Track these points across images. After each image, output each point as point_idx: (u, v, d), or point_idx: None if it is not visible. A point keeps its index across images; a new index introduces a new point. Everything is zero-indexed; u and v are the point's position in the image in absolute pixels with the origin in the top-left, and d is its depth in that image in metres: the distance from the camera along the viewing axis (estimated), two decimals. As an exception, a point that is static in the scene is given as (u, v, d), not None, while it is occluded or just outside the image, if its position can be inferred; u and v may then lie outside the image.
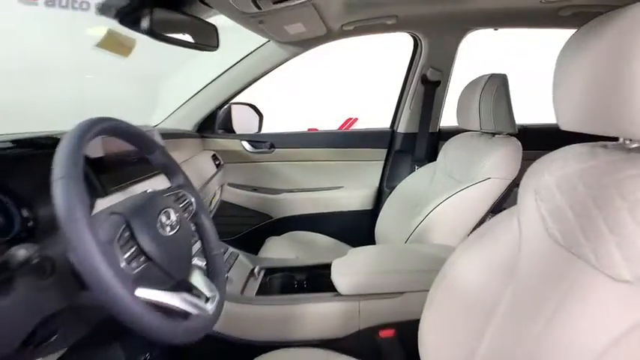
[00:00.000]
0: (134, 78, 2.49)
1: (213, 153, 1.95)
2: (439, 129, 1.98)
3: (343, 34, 1.70)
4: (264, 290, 1.23)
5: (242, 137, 2.02)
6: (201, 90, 1.90)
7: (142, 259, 0.64)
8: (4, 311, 0.58)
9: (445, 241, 1.35)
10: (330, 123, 4.36)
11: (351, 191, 2.04)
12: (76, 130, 0.62)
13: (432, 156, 1.93)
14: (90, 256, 0.53)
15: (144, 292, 0.61)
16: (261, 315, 1.10)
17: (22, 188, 0.74)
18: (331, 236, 1.91)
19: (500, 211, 1.38)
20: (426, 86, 1.86)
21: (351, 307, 1.08)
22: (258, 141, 2.03)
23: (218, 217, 2.03)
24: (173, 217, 0.74)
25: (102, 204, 0.92)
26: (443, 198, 1.35)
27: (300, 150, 2.03)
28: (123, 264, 0.58)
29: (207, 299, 0.76)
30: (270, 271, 1.34)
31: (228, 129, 2.09)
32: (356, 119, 4.36)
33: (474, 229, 1.36)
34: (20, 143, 0.84)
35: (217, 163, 1.94)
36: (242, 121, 2.16)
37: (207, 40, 1.22)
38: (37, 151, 0.86)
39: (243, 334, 1.09)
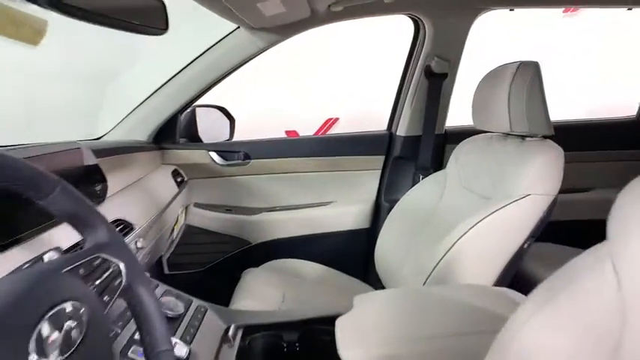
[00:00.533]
0: (73, 76, 2.08)
1: (174, 168, 1.59)
2: (445, 130, 1.68)
3: (331, 16, 1.37)
4: (243, 362, 0.89)
5: (210, 147, 1.67)
6: (157, 91, 1.54)
7: None
8: None
9: (474, 279, 1.05)
10: (307, 124, 4.02)
11: (343, 207, 1.72)
12: None
13: (438, 163, 1.63)
14: None
15: None
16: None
17: None
18: (322, 263, 1.58)
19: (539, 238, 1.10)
20: (431, 80, 1.55)
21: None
22: (229, 151, 1.68)
23: (183, 246, 1.67)
24: (69, 322, 0.39)
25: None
26: (470, 222, 1.04)
27: (281, 160, 1.69)
28: None
29: None
30: (249, 330, 1.00)
31: (192, 137, 1.75)
32: (336, 119, 4.04)
33: (512, 261, 1.07)
34: None
35: (180, 179, 1.58)
36: (209, 127, 1.81)
37: (151, 20, 0.87)
38: None
39: None
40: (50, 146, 0.86)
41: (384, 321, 0.85)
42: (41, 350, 0.36)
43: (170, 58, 1.57)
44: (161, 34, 0.89)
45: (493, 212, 1.02)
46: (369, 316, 0.88)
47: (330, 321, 0.87)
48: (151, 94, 1.54)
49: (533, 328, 0.45)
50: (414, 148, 1.64)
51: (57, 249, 0.67)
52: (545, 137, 1.13)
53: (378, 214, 1.71)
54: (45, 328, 0.37)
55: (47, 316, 0.37)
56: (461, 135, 1.42)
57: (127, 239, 1.00)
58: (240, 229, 1.67)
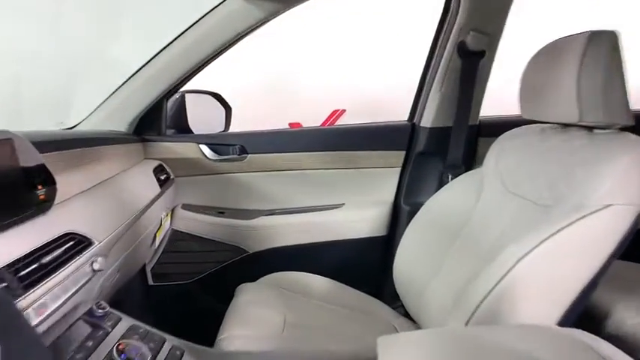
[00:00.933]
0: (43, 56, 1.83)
1: (158, 163, 1.36)
2: (479, 121, 1.42)
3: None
4: None
5: (200, 139, 1.42)
6: (137, 72, 1.29)
7: None
8: None
9: (535, 314, 0.80)
10: (312, 116, 3.77)
11: (355, 211, 1.47)
12: None
13: (470, 160, 1.38)
14: None
15: None
16: None
17: None
18: (330, 276, 1.34)
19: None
20: (465, 59, 1.29)
21: None
22: (223, 144, 1.44)
23: (169, 254, 1.44)
24: None
25: None
26: (530, 240, 0.79)
27: (283, 155, 1.44)
28: None
29: None
30: None
31: (181, 128, 1.51)
32: (343, 111, 3.77)
33: (584, 292, 0.82)
34: None
35: (165, 177, 1.34)
36: (201, 116, 1.57)
37: None
38: None
39: None
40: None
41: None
42: None
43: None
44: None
45: (562, 228, 0.77)
46: None
47: None
48: (131, 76, 1.30)
49: None
50: (443, 142, 1.38)
51: None
52: (621, 129, 0.88)
53: (397, 219, 1.46)
54: None
55: None
56: (498, 127, 1.17)
57: (79, 260, 0.76)
58: (235, 236, 1.43)
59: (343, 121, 3.79)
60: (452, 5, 1.28)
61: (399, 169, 1.47)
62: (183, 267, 1.46)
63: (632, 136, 0.85)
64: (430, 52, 1.39)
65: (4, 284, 0.57)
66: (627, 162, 0.79)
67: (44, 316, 0.63)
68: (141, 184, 1.18)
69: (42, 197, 0.74)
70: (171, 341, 0.80)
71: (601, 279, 0.83)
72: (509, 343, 0.68)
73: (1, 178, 0.66)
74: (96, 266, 0.80)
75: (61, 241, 0.74)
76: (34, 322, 0.61)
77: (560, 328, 0.75)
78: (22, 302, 0.59)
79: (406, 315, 1.22)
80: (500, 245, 0.87)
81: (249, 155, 1.42)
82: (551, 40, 0.94)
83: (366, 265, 1.48)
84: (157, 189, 1.23)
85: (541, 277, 0.79)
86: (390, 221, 1.47)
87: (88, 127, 1.33)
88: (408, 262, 1.20)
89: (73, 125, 1.33)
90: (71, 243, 0.76)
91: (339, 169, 1.47)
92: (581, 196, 0.81)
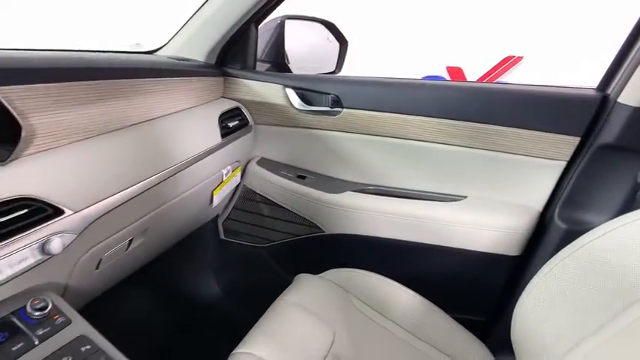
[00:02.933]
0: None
1: (235, 105, 1.11)
2: None
3: None
4: None
5: (287, 81, 1.11)
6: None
7: None
8: None
9: None
10: (479, 61, 3.11)
11: (481, 212, 1.01)
12: None
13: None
14: None
15: None
16: None
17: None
18: (422, 292, 0.96)
19: None
20: None
21: None
22: (315, 90, 1.10)
23: (239, 212, 1.24)
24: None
25: None
26: None
27: (391, 116, 1.04)
28: None
29: None
30: None
31: (276, 63, 1.23)
32: (519, 59, 2.98)
33: None
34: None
35: (239, 122, 1.09)
36: (305, 49, 1.26)
37: None
38: None
39: None
40: None
41: None
42: None
43: None
44: None
45: None
46: None
47: None
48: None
49: None
50: None
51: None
52: None
53: (541, 238, 0.96)
54: None
55: None
56: None
57: (31, 237, 0.56)
58: (312, 209, 1.13)
59: (518, 72, 3.04)
60: None
61: (563, 164, 0.94)
62: (252, 229, 1.25)
63: None
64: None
65: None
66: None
67: None
68: (194, 130, 0.94)
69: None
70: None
71: None
72: None
73: None
74: (55, 244, 0.59)
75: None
76: None
77: None
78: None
79: None
80: None
81: (345, 110, 1.06)
82: None
83: (478, 293, 1.05)
84: (217, 138, 0.99)
85: None
86: (530, 238, 0.98)
87: (170, 52, 1.14)
88: (542, 310, 0.75)
89: (152, 50, 1.16)
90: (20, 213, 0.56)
91: (470, 149, 1.01)
92: None
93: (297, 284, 0.95)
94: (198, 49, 1.10)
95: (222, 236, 1.32)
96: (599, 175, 0.89)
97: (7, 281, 0.55)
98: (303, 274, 0.98)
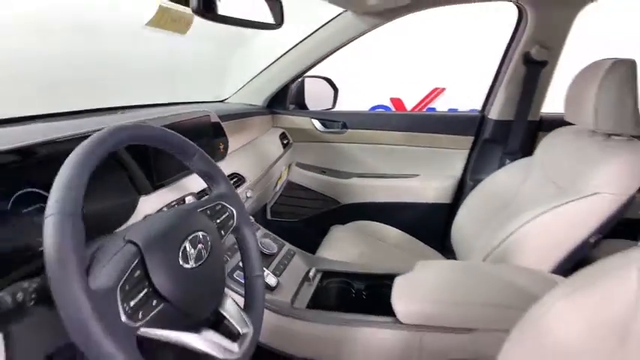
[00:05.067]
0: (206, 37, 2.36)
1: (282, 131, 1.86)
2: (540, 117, 1.67)
3: (430, 2, 1.45)
4: (318, 298, 1.13)
5: (313, 115, 1.89)
6: (273, 62, 1.79)
7: (155, 301, 0.55)
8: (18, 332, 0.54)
9: (533, 263, 1.13)
10: (413, 93, 4.03)
11: (428, 181, 1.84)
12: (81, 152, 0.52)
13: (527, 150, 1.65)
14: (78, 313, 0.45)
15: (158, 333, 0.53)
16: (311, 332, 1.01)
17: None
18: (402, 229, 1.74)
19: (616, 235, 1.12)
20: (529, 67, 1.55)
21: (412, 338, 0.94)
22: (330, 120, 1.89)
23: (284, 198, 1.96)
24: (201, 244, 0.63)
25: (146, 203, 0.85)
26: (539, 209, 1.12)
27: (375, 132, 1.85)
28: (123, 317, 0.49)
29: (237, 335, 0.67)
30: (327, 275, 1.23)
31: (300, 104, 1.98)
32: (443, 90, 3.98)
33: (573, 253, 1.13)
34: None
35: (286, 142, 1.84)
36: (315, 95, 2.03)
37: (269, 17, 1.08)
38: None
39: (291, 349, 1.01)
40: (187, 114, 1.13)
41: (436, 286, 1.01)
42: (185, 258, 0.60)
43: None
44: (277, 28, 1.10)
45: (561, 205, 1.08)
46: (422, 279, 1.05)
47: (392, 278, 1.06)
48: (268, 66, 1.80)
49: (556, 313, 0.57)
50: (505, 132, 1.67)
51: (192, 194, 0.96)
52: (633, 137, 1.13)
53: (461, 191, 1.79)
54: (187, 245, 0.61)
55: (188, 239, 0.62)
56: (555, 123, 1.43)
57: (239, 190, 1.27)
58: (332, 190, 1.90)
59: (442, 99, 4.01)
60: (522, 22, 1.53)
61: (467, 151, 1.79)
62: (293, 209, 1.98)
63: (635, 142, 1.10)
64: (502, 58, 1.66)
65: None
66: (620, 161, 1.06)
67: None
68: (272, 145, 1.69)
69: (222, 150, 1.26)
70: (288, 246, 1.30)
71: (593, 247, 1.13)
72: (498, 273, 1.05)
73: (205, 137, 1.18)
74: (248, 194, 1.31)
75: (230, 177, 1.26)
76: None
77: (543, 272, 1.09)
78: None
79: None
80: (522, 209, 1.19)
81: (349, 130, 1.86)
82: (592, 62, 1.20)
83: (431, 224, 1.84)
84: (281, 149, 1.74)
85: (541, 237, 1.12)
86: (455, 192, 1.82)
87: (236, 100, 1.87)
88: (462, 225, 1.56)
89: (225, 98, 1.89)
90: (235, 179, 1.28)
91: (419, 147, 1.84)
92: (581, 184, 1.10)
93: (332, 230, 1.69)
94: (258, 97, 1.84)
95: (268, 217, 2.02)
96: (485, 155, 1.75)
97: None
98: (335, 226, 1.73)
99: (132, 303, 0.51)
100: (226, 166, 1.26)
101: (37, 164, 0.66)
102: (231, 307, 0.68)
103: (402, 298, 0.97)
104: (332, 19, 1.62)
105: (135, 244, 0.55)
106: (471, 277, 1.04)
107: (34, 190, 0.63)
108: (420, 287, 1.00)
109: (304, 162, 1.95)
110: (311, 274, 1.19)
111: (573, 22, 1.47)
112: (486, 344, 0.90)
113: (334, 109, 1.93)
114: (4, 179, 0.60)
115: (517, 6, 1.51)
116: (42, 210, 0.48)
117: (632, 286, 0.49)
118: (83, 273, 0.46)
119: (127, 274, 0.51)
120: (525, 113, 1.61)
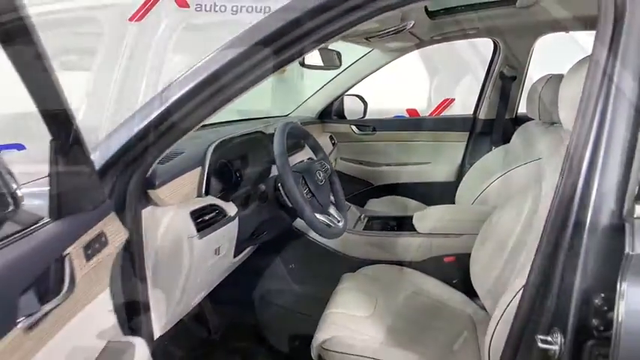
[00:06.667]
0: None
1: (330, 134, 2.58)
2: (516, 115, 2.36)
3: (433, 42, 2.18)
4: (367, 229, 1.83)
5: (351, 122, 2.62)
6: (322, 87, 2.53)
7: (310, 196, 1.28)
8: (244, 217, 1.26)
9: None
10: (427, 103, 4.73)
11: (437, 166, 2.53)
12: (280, 129, 1.26)
13: (506, 139, 2.33)
14: (293, 190, 1.18)
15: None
16: (365, 241, 1.71)
17: (241, 162, 1.40)
18: (419, 201, 2.43)
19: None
20: (504, 81, 2.25)
21: (426, 241, 1.63)
22: (363, 125, 2.61)
23: (332, 183, 2.69)
24: (321, 175, 1.36)
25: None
26: (508, 168, 1.79)
27: (397, 133, 2.57)
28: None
29: (338, 221, 1.39)
30: (371, 218, 1.93)
31: (341, 115, 2.72)
32: (452, 100, 4.68)
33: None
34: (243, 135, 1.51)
35: (333, 142, 2.57)
36: (351, 108, 2.76)
37: (332, 62, 1.82)
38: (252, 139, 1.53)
39: (352, 252, 1.71)
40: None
41: (440, 214, 1.70)
42: (318, 180, 1.34)
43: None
44: (337, 69, 1.84)
45: (512, 169, 1.75)
46: (432, 212, 1.75)
47: (411, 218, 1.76)
48: (319, 89, 2.54)
49: (497, 214, 1.29)
50: (491, 127, 2.36)
51: (310, 159, 1.68)
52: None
53: (462, 172, 2.48)
54: (318, 174, 1.35)
55: (317, 172, 1.35)
56: (526, 119, 2.10)
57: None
58: (368, 176, 2.62)
59: (452, 106, 4.70)
60: (497, 51, 2.24)
61: (464, 143, 2.48)
62: (339, 191, 2.69)
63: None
64: (486, 74, 2.37)
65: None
66: (553, 137, 1.73)
67: None
68: (325, 144, 2.41)
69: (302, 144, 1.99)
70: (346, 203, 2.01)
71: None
72: (478, 208, 1.73)
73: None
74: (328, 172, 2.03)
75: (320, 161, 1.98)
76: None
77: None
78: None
79: None
80: (500, 171, 1.87)
81: (378, 132, 2.58)
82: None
83: (441, 197, 2.45)
84: (331, 147, 2.46)
85: (502, 188, 1.80)
86: (457, 173, 2.50)
87: (297, 113, 2.61)
88: (463, 192, 2.24)
89: (288, 113, 2.63)
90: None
91: (429, 142, 2.54)
92: (527, 154, 1.78)
93: (369, 202, 2.39)
94: (312, 111, 2.58)
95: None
96: (477, 144, 2.44)
97: None
98: (371, 199, 2.43)
99: (304, 192, 1.24)
100: (306, 153, 1.99)
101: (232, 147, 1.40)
102: (333, 208, 1.41)
103: (420, 220, 1.68)
104: (364, 55, 2.35)
105: (298, 172, 1.29)
106: (460, 210, 1.74)
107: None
108: (431, 215, 1.70)
109: (346, 157, 2.67)
110: (362, 217, 1.90)
111: (532, 48, 2.17)
112: (469, 242, 1.57)
113: (366, 117, 2.66)
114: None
115: (492, 40, 2.23)
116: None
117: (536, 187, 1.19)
118: (292, 175, 1.19)
119: (299, 182, 1.25)
120: (503, 113, 2.30)
